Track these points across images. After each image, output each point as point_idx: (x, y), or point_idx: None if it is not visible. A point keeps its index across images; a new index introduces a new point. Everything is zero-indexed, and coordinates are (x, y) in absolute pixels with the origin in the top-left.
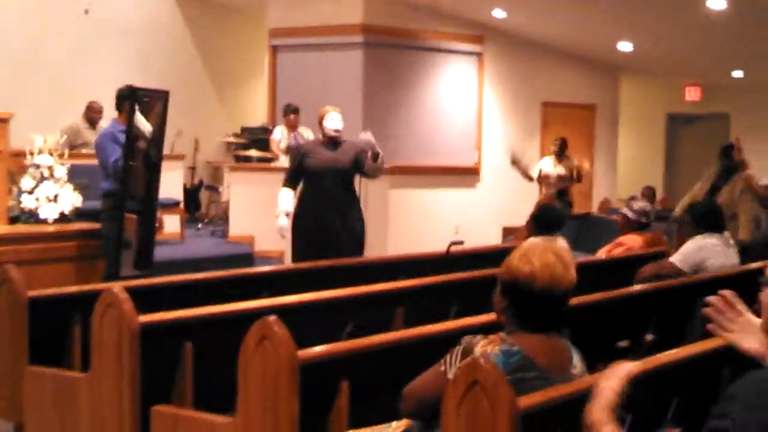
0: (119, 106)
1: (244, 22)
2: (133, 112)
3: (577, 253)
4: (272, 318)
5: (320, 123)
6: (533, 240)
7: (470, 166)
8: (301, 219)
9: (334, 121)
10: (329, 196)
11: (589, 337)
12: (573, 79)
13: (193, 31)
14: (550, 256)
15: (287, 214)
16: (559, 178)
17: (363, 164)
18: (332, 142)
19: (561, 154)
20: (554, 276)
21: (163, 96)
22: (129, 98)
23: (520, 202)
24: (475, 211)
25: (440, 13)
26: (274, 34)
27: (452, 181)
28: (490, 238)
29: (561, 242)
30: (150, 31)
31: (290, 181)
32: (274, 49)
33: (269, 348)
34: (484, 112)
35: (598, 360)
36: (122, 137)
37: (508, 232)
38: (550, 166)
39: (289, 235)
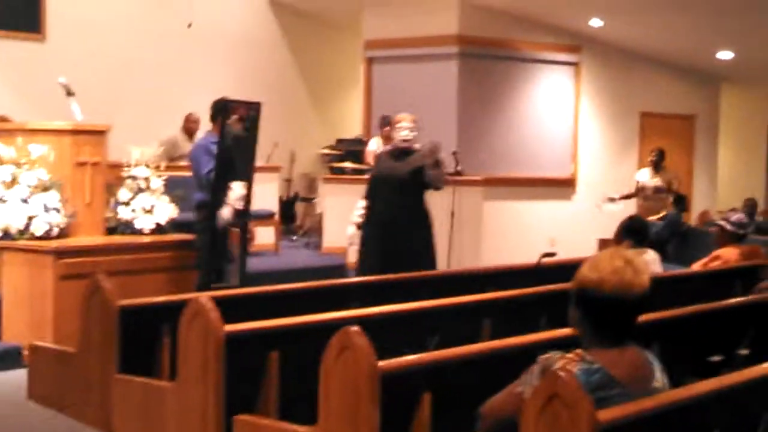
0: (213, 118)
1: (340, 33)
2: (224, 124)
3: (674, 266)
4: (353, 328)
5: (392, 132)
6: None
7: (566, 177)
8: (366, 231)
9: (403, 131)
10: (388, 208)
11: (682, 351)
12: (672, 88)
13: (290, 43)
14: (618, 261)
15: (355, 224)
16: (656, 189)
17: (424, 174)
18: (401, 152)
19: (658, 166)
20: (624, 281)
21: (255, 107)
22: (222, 110)
23: (619, 214)
24: (570, 223)
25: (536, 23)
26: (369, 46)
27: (547, 193)
28: (585, 250)
29: (650, 254)
30: (248, 43)
31: (366, 191)
32: (370, 61)
33: (350, 358)
34: (581, 123)
35: (689, 374)
36: (215, 148)
37: (604, 244)
38: (647, 177)
39: (357, 244)
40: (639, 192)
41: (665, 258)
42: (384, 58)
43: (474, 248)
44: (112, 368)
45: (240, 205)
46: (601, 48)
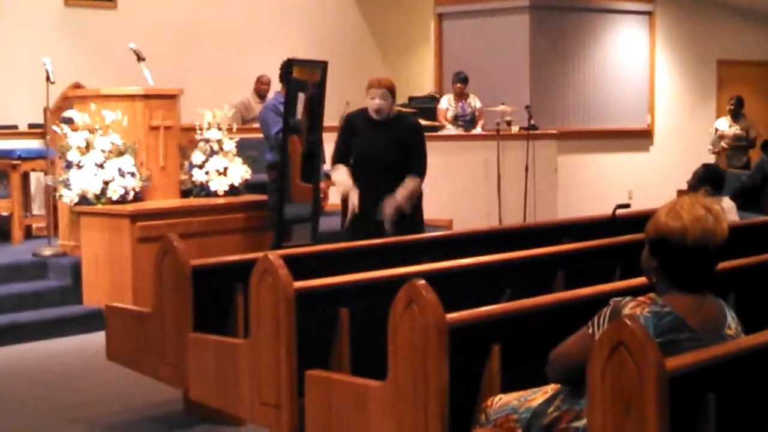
0: (282, 79)
1: None
2: (289, 84)
3: (752, 215)
4: (420, 282)
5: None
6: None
7: (643, 128)
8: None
9: (374, 100)
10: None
11: (757, 301)
12: (750, 35)
13: (360, 1)
14: (700, 209)
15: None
16: (736, 137)
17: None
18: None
19: (737, 114)
20: (706, 229)
21: (321, 66)
22: (289, 70)
23: (696, 164)
24: (648, 175)
25: None
26: (439, 2)
27: (624, 145)
28: (665, 202)
29: (726, 202)
30: (317, 2)
31: (339, 157)
32: (440, 17)
33: (417, 312)
34: (656, 73)
35: (764, 324)
36: (283, 108)
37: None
38: (725, 125)
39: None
40: (718, 140)
41: (750, 207)
42: (454, 14)
43: (550, 203)
44: (186, 327)
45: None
46: None
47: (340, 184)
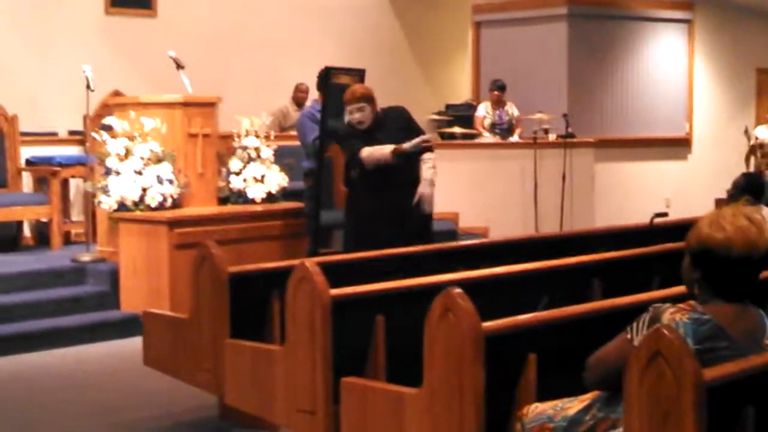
0: (319, 87)
1: None
2: (327, 92)
3: None
4: (456, 290)
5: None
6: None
7: (681, 137)
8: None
9: (352, 114)
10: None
11: None
12: None
13: (397, 8)
14: (743, 219)
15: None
16: None
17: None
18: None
19: None
20: (749, 240)
21: (359, 74)
22: (326, 79)
23: (735, 173)
24: (687, 183)
25: None
26: (477, 10)
27: (662, 153)
28: (703, 210)
29: (766, 211)
30: (354, 11)
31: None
32: (478, 25)
33: (453, 320)
34: (695, 81)
35: None
36: (320, 116)
37: (721, 204)
38: (766, 134)
39: None
40: (758, 148)
41: None
42: (492, 22)
43: (587, 211)
44: (223, 334)
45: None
46: (715, 3)
47: (376, 151)
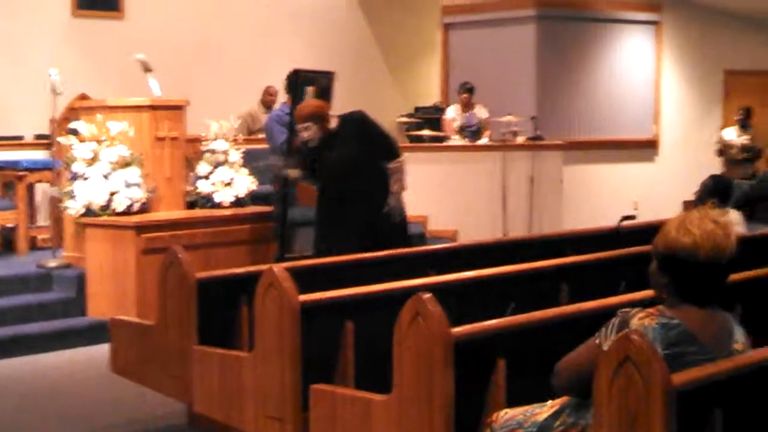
0: (287, 89)
1: (417, 1)
2: (296, 95)
3: (760, 226)
4: (426, 295)
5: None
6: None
7: (649, 138)
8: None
9: (303, 132)
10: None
11: (765, 313)
12: (757, 45)
13: (366, 10)
14: (710, 223)
15: None
16: (743, 148)
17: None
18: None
19: (745, 124)
20: (717, 244)
21: (328, 76)
22: (295, 82)
23: (703, 175)
24: (654, 186)
25: None
26: (446, 12)
27: (630, 156)
28: (670, 213)
29: (733, 215)
30: (323, 12)
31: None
32: (447, 27)
33: (422, 325)
34: (663, 83)
35: None
36: (288, 119)
37: (689, 206)
38: (733, 135)
39: None
40: (725, 150)
41: (751, 218)
42: (461, 24)
43: (555, 214)
44: (190, 340)
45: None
46: (683, 5)
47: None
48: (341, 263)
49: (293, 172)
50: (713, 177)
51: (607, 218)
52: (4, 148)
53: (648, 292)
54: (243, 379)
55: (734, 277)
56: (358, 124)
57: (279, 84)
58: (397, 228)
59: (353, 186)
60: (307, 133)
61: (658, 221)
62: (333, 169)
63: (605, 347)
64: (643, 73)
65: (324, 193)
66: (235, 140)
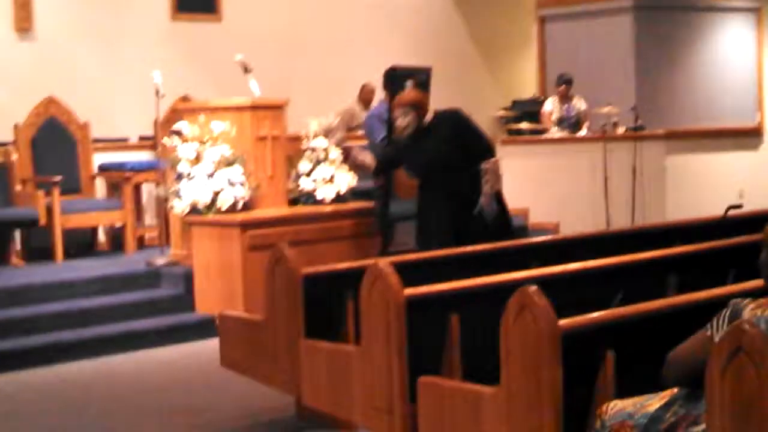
0: (385, 86)
1: None
2: (394, 92)
3: None
4: (532, 288)
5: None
6: None
7: (752, 127)
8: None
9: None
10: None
11: None
12: None
13: (461, 6)
14: None
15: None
16: None
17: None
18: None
19: None
20: None
21: (425, 73)
22: (392, 79)
23: None
24: (760, 174)
25: None
26: (541, 4)
27: (733, 144)
28: None
29: None
30: (418, 8)
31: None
32: (542, 20)
33: (529, 318)
34: (765, 70)
35: None
36: (387, 116)
37: None
38: None
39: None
40: None
41: None
42: (557, 16)
43: (658, 204)
44: (298, 334)
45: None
46: None
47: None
48: (445, 257)
49: (367, 157)
50: None
51: (712, 208)
52: (110, 150)
53: (758, 282)
54: (351, 372)
55: None
56: (453, 122)
57: (377, 81)
58: (489, 228)
59: (442, 182)
60: (404, 120)
61: (765, 210)
62: (421, 163)
63: (717, 339)
64: (744, 60)
65: (420, 186)
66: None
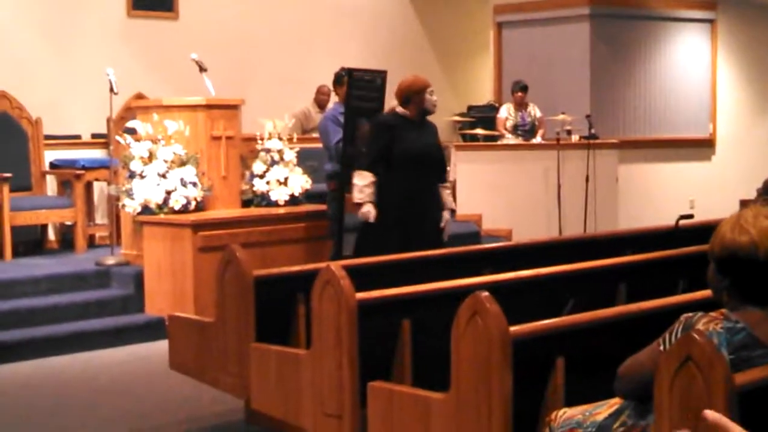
0: (335, 87)
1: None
2: (350, 94)
3: None
4: (484, 294)
5: (415, 94)
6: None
7: (705, 137)
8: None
9: (433, 95)
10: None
11: None
12: None
13: (419, 11)
14: (764, 220)
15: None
16: None
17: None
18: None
19: None
20: None
21: (380, 75)
22: (343, 80)
23: (760, 174)
24: (710, 185)
25: None
26: (498, 11)
27: (685, 154)
28: (727, 212)
29: None
30: (376, 13)
31: (371, 164)
32: (499, 26)
33: (480, 324)
34: (718, 82)
35: None
36: (342, 119)
37: (746, 205)
38: None
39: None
40: None
41: None
42: (514, 23)
43: (610, 213)
44: (248, 337)
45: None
46: (737, 3)
47: (360, 192)
48: (398, 261)
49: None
50: None
51: (663, 218)
52: (62, 147)
53: (707, 292)
54: (300, 377)
55: None
56: (435, 128)
57: (331, 83)
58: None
59: (417, 177)
60: (436, 98)
61: (716, 220)
62: (418, 152)
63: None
64: (698, 71)
65: (390, 175)
66: (289, 139)
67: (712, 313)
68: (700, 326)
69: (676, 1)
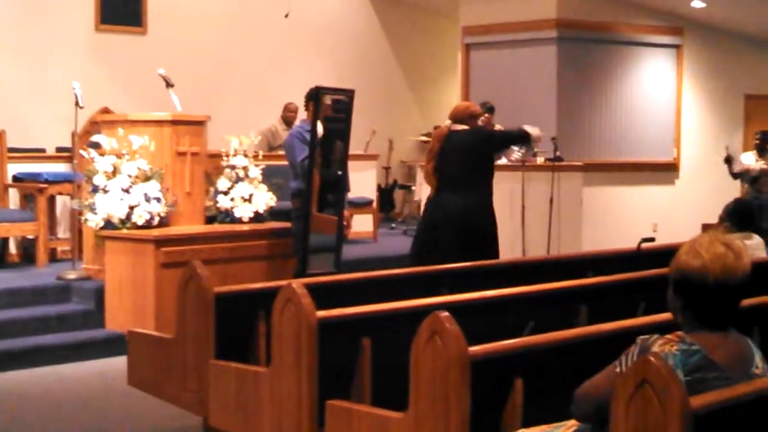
0: (307, 106)
1: (437, 20)
2: (317, 112)
3: None
4: (443, 313)
5: (470, 118)
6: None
7: (669, 161)
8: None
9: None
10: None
11: None
12: None
13: (387, 31)
14: (719, 246)
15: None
16: (762, 172)
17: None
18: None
19: (763, 149)
20: (726, 266)
21: (349, 94)
22: (314, 98)
23: (723, 199)
24: (674, 209)
25: (637, 5)
26: (467, 32)
27: (650, 178)
28: (690, 235)
29: (755, 239)
30: (346, 32)
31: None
32: (467, 47)
33: (439, 344)
34: (683, 107)
35: None
36: (309, 136)
37: (708, 229)
38: (752, 160)
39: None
40: (743, 175)
41: None
42: (482, 44)
43: (574, 235)
44: (208, 354)
45: None
46: (703, 30)
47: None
48: (359, 280)
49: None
50: (736, 201)
51: (626, 240)
52: (25, 161)
53: (666, 315)
54: (259, 394)
55: (752, 301)
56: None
57: (299, 101)
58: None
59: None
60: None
61: (678, 244)
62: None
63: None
64: (663, 96)
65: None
66: (255, 156)
67: (669, 336)
68: (656, 348)
69: (643, 27)
